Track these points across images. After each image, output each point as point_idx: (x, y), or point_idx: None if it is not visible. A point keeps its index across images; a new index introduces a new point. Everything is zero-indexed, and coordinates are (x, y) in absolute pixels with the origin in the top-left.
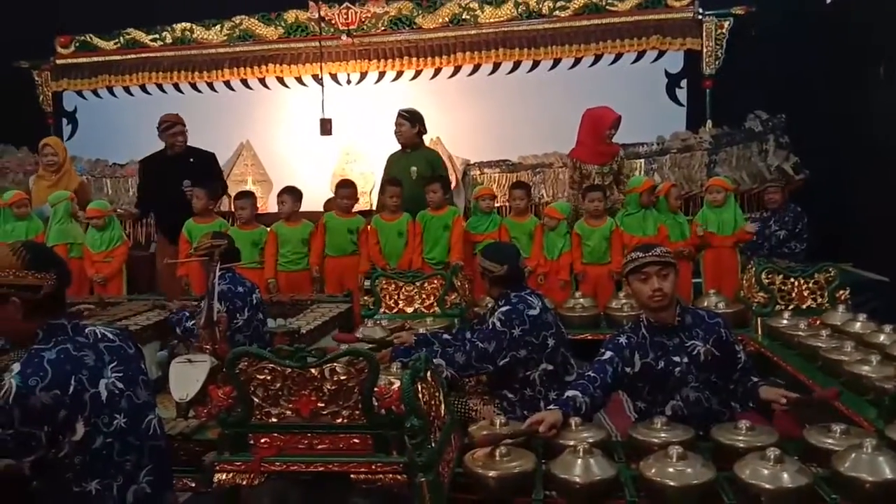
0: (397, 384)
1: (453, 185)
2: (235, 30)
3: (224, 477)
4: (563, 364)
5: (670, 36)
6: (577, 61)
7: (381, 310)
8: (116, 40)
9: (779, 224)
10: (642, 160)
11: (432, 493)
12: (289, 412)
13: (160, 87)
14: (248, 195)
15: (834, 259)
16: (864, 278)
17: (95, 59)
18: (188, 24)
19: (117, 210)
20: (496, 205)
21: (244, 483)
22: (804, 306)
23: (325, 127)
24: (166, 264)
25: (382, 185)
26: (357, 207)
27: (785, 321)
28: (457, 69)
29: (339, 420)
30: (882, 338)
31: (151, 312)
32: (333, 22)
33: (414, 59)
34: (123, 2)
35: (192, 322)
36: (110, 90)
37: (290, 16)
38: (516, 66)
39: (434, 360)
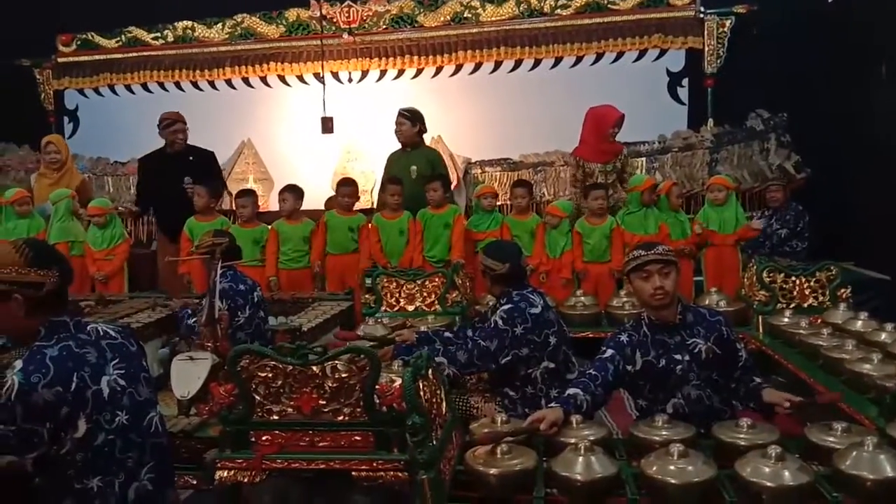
0: (399, 382)
1: (454, 183)
2: (237, 28)
3: (225, 474)
4: (564, 362)
5: (672, 34)
6: (579, 60)
7: (383, 308)
8: (118, 38)
9: (780, 223)
10: (644, 159)
11: (433, 491)
12: (290, 409)
13: (162, 85)
14: (250, 193)
15: (835, 258)
16: (866, 277)
17: (97, 57)
18: (190, 23)
19: (118, 208)
20: (497, 203)
21: (245, 480)
22: (805, 305)
23: (327, 125)
24: (167, 262)
25: (383, 183)
26: (358, 206)
27: (786, 319)
28: (458, 68)
29: (341, 417)
30: (883, 336)
31: (153, 310)
32: (335, 20)
33: (415, 58)
34: (125, 0)
35: (194, 319)
36: (112, 88)
37: (292, 14)
38: (518, 64)
39: (436, 359)
